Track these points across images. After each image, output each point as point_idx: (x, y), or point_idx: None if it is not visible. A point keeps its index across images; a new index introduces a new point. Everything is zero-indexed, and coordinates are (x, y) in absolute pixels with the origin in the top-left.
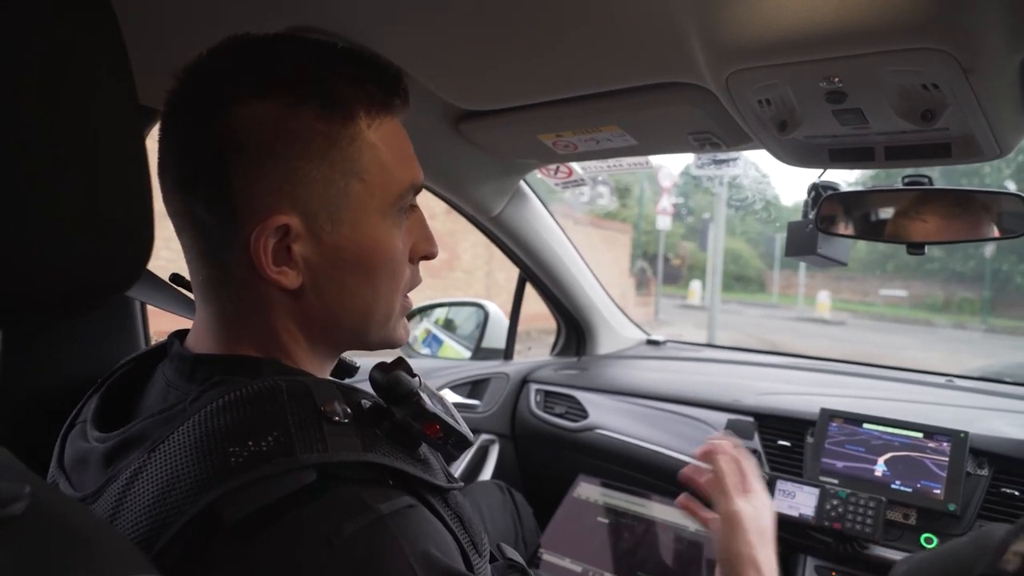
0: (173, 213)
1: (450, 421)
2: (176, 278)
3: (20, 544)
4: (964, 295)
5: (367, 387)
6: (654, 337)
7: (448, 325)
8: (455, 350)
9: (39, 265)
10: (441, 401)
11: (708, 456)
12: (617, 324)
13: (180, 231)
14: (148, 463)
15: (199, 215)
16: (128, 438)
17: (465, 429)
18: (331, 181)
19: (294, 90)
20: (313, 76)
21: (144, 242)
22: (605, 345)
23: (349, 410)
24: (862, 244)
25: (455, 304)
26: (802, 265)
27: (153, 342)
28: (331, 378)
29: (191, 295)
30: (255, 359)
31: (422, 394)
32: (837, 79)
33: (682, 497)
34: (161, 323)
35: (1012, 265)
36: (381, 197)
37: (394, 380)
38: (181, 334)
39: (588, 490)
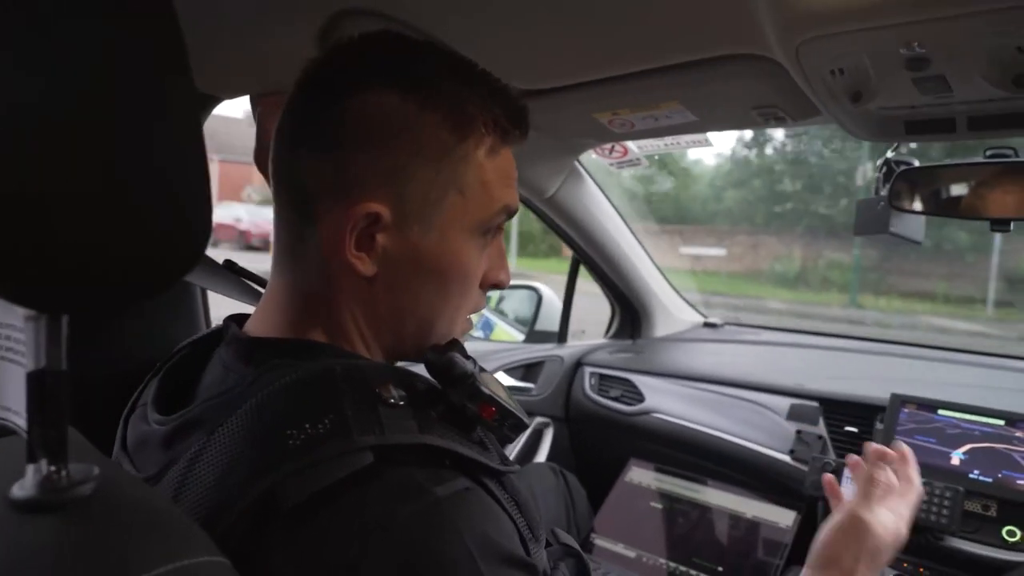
0: (275, 178)
1: (506, 403)
2: (229, 264)
3: (90, 523)
4: (835, 256)
5: (419, 371)
6: (711, 320)
7: (500, 307)
8: (508, 333)
9: (99, 255)
10: (496, 383)
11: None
12: (673, 306)
13: (277, 197)
14: (208, 446)
15: (300, 183)
16: (187, 421)
17: (521, 412)
18: (434, 186)
19: (428, 94)
20: (452, 88)
21: (201, 229)
22: (661, 328)
23: (404, 392)
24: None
25: (508, 287)
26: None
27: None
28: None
29: (248, 282)
30: (312, 343)
31: (477, 376)
32: (919, 44)
33: (831, 477)
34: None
35: None
36: (474, 215)
37: (449, 362)
38: (237, 318)
39: (640, 474)
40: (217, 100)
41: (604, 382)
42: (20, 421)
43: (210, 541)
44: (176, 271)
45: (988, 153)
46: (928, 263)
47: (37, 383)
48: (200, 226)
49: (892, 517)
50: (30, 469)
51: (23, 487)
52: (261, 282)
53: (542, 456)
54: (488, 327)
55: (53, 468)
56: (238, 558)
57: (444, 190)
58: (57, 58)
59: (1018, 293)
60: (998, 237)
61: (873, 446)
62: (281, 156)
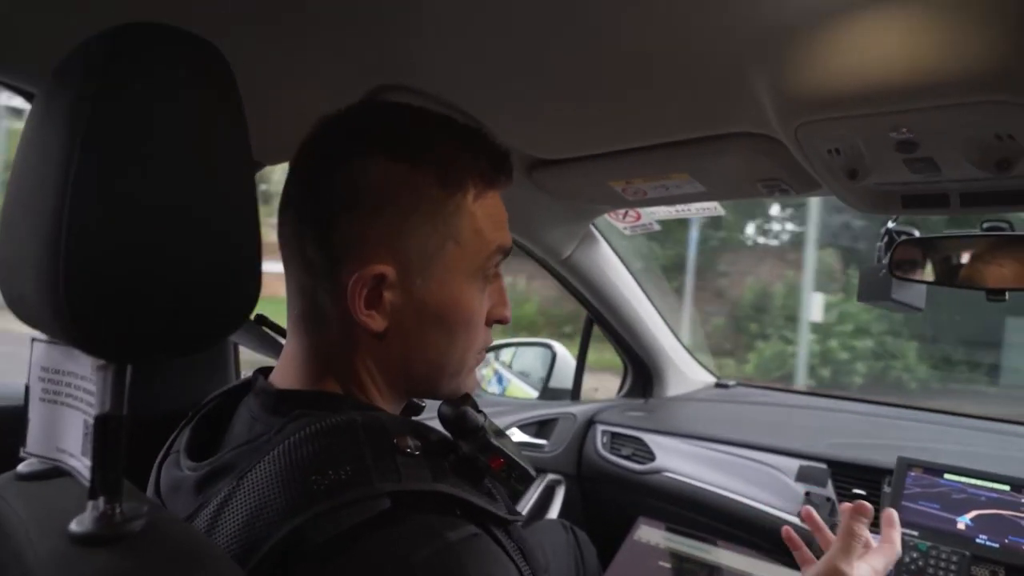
0: (284, 247)
1: (513, 456)
2: (260, 319)
3: (142, 556)
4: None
5: (434, 424)
6: (723, 380)
7: (515, 365)
8: (522, 390)
9: (166, 314)
10: (505, 437)
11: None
12: (685, 366)
13: (287, 265)
14: (237, 490)
15: (309, 253)
16: (218, 467)
17: (528, 464)
18: (430, 240)
19: (417, 155)
20: (436, 145)
21: (252, 289)
22: (672, 387)
23: (419, 443)
24: None
25: (523, 344)
26: None
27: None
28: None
29: (274, 335)
30: (335, 395)
31: (488, 429)
32: (907, 130)
33: (789, 528)
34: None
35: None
36: (471, 260)
37: (461, 415)
38: (264, 371)
39: (650, 533)
40: (260, 166)
41: (616, 440)
42: (75, 463)
43: None
44: (228, 327)
45: (985, 226)
46: None
47: (102, 426)
48: (251, 285)
49: (867, 570)
50: (89, 505)
51: (82, 523)
52: None
53: (554, 512)
54: (502, 384)
55: (110, 505)
56: None
57: (442, 242)
58: (145, 147)
59: (743, 334)
60: (692, 253)
61: (855, 503)
62: (287, 228)
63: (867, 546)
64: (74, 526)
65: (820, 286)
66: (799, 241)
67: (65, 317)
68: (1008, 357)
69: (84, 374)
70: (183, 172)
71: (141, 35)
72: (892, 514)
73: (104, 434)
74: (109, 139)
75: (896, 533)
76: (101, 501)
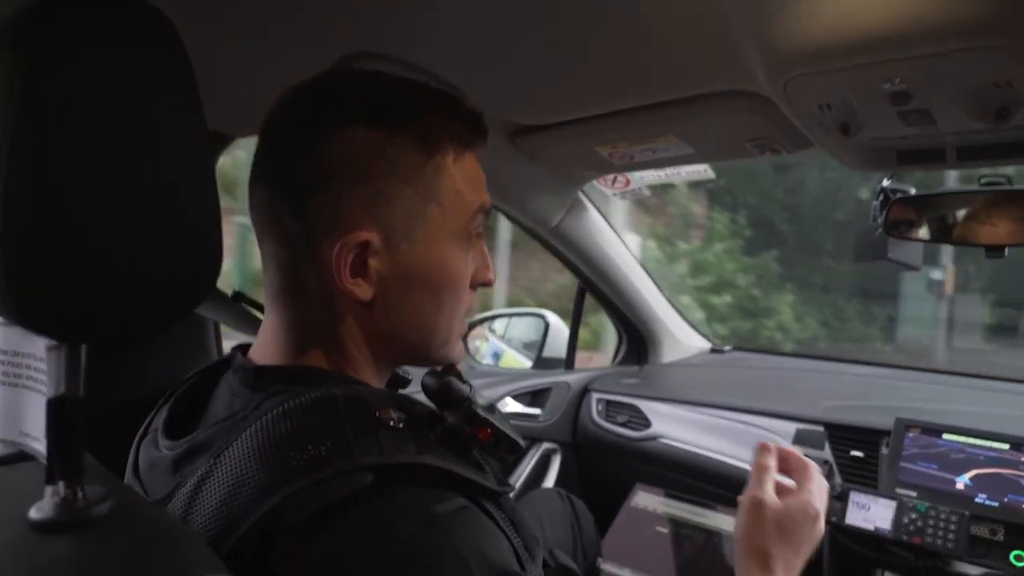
0: (259, 221)
1: (500, 426)
2: (238, 295)
3: (107, 541)
4: None
5: (421, 398)
6: (718, 346)
7: (508, 335)
8: (516, 360)
9: (116, 289)
10: (492, 407)
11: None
12: (680, 333)
13: (262, 239)
14: (214, 468)
15: (286, 225)
16: (194, 445)
17: (515, 434)
18: (412, 203)
19: (395, 121)
20: (413, 111)
21: (212, 264)
22: (667, 354)
23: (403, 415)
24: None
25: (516, 314)
26: None
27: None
28: (386, 389)
29: (253, 311)
30: (315, 369)
31: (473, 399)
32: (900, 80)
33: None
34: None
35: None
36: (454, 221)
37: (445, 386)
38: (243, 347)
39: (647, 499)
40: (230, 139)
41: (611, 408)
42: (38, 446)
43: (219, 560)
44: (188, 302)
45: (982, 181)
46: None
47: (56, 408)
48: (211, 258)
49: (799, 503)
50: (48, 491)
51: (41, 509)
52: None
53: (550, 481)
54: (496, 355)
55: (70, 490)
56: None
57: (423, 204)
58: (83, 116)
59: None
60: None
61: (758, 443)
62: (261, 200)
63: (785, 489)
64: (33, 512)
65: (678, 233)
66: (666, 185)
67: (6, 295)
68: (904, 308)
69: (41, 355)
70: (127, 140)
71: (73, 1)
72: (767, 444)
73: (59, 417)
74: (43, 110)
75: (796, 453)
76: (61, 486)
